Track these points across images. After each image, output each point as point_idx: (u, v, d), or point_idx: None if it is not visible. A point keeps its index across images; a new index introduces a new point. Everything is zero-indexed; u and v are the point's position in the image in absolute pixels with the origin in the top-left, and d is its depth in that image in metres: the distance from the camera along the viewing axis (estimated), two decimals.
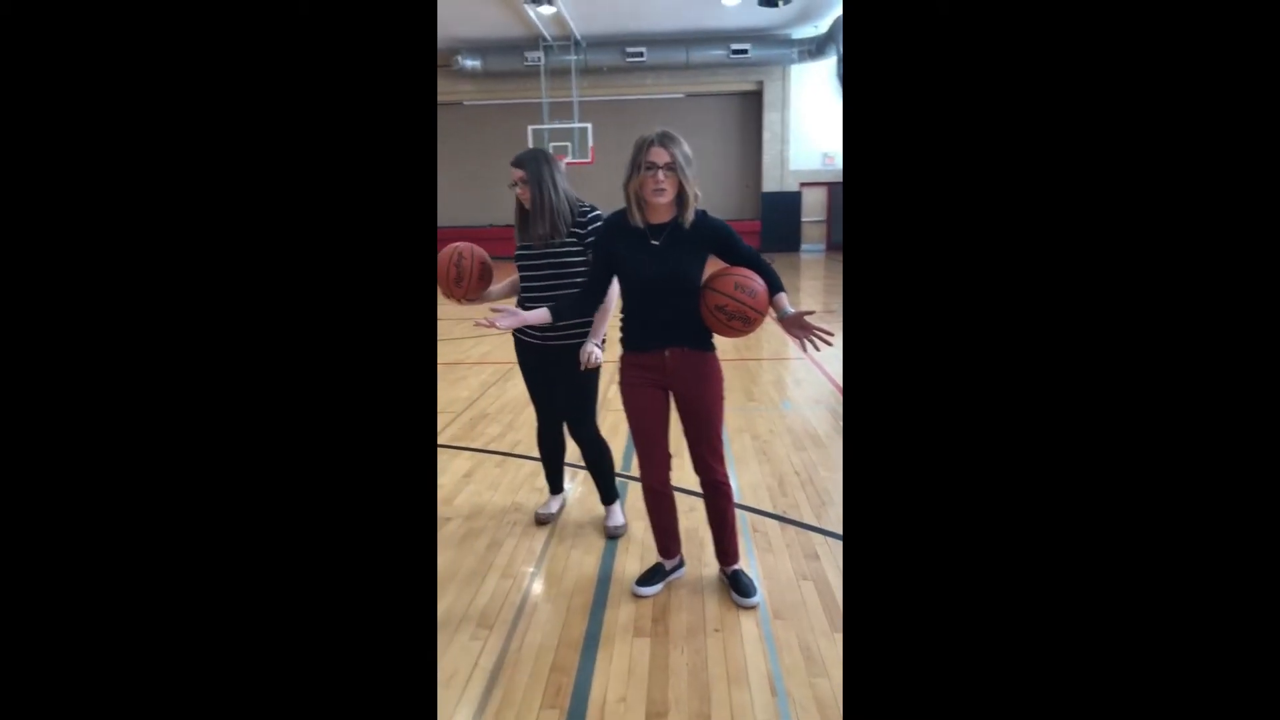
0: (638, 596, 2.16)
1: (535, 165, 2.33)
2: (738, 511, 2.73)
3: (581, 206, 2.39)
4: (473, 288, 2.40)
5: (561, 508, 2.78)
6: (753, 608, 2.09)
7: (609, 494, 2.65)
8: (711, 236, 1.99)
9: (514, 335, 2.54)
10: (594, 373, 2.47)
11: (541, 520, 2.69)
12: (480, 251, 2.43)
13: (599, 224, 2.36)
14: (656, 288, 1.99)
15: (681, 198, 1.92)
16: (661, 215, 1.96)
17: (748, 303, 1.94)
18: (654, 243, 1.97)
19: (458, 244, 2.42)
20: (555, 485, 2.77)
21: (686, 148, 1.91)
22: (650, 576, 2.21)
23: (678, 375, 2.05)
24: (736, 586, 2.14)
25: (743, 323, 1.95)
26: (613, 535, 2.59)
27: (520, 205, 2.39)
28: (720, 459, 2.09)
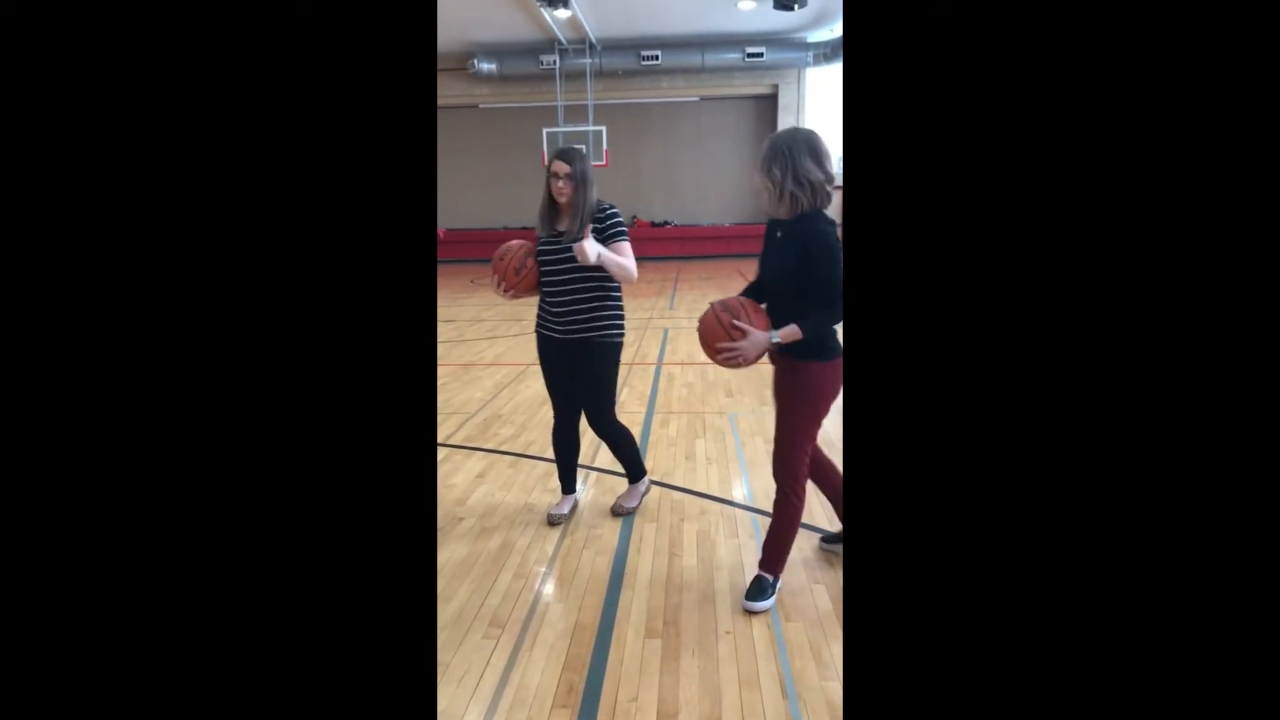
0: (751, 612, 2.06)
1: (582, 164, 2.42)
2: (750, 514, 2.75)
3: (602, 205, 2.46)
4: (523, 285, 2.49)
5: (573, 509, 2.80)
6: (756, 613, 2.07)
7: (635, 473, 2.74)
8: (801, 240, 1.92)
9: (536, 330, 2.61)
10: (613, 367, 2.53)
11: (554, 521, 2.71)
12: None
13: (615, 219, 2.45)
14: (766, 282, 2.04)
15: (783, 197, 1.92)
16: (783, 211, 1.97)
17: (722, 320, 1.98)
18: (777, 235, 2.01)
19: (526, 243, 2.54)
20: (568, 485, 2.78)
21: (785, 144, 1.92)
22: (757, 591, 2.10)
23: (777, 379, 2.07)
24: (750, 588, 2.13)
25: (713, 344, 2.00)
26: (618, 512, 2.65)
27: (549, 199, 2.44)
28: (787, 471, 2.04)
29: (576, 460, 2.77)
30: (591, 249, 2.33)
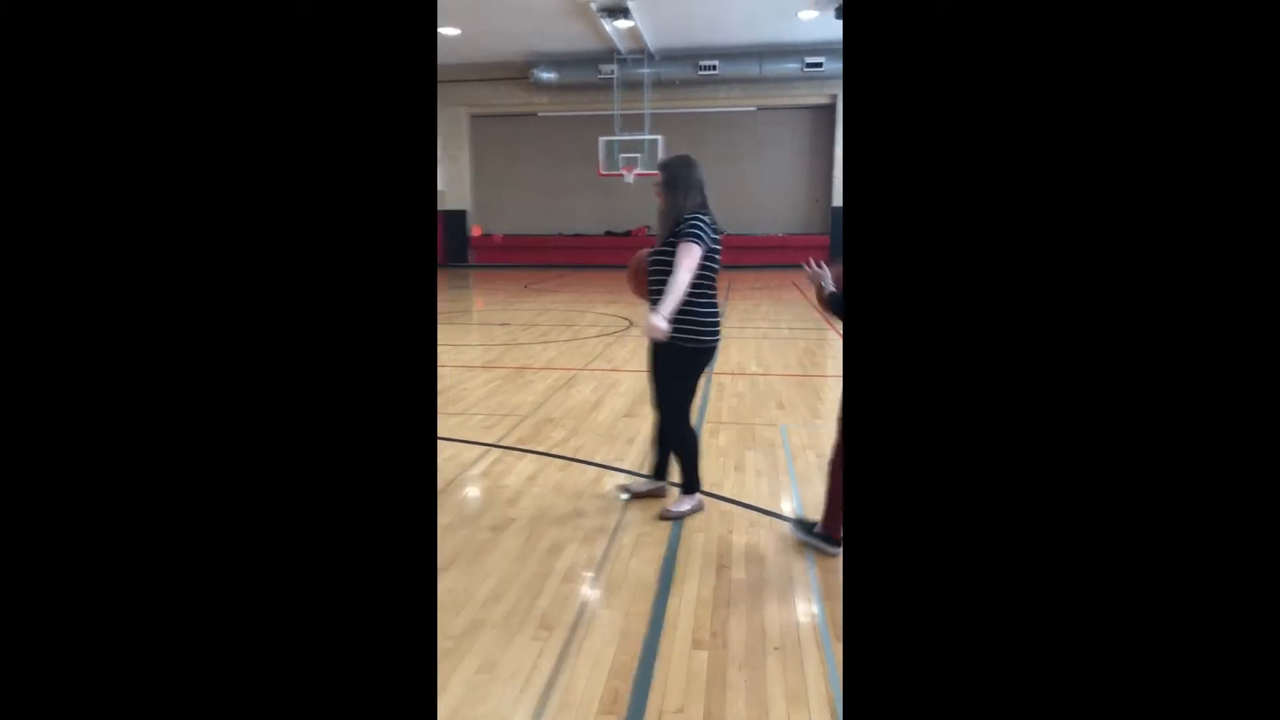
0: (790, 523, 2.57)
1: (672, 170, 2.59)
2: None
3: (687, 213, 2.56)
4: (639, 289, 2.75)
5: (649, 494, 2.92)
6: (788, 522, 2.55)
7: (689, 485, 2.80)
8: None
9: None
10: (683, 369, 2.65)
11: (623, 488, 2.92)
12: None
13: (690, 221, 2.56)
14: None
15: None
16: None
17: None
18: None
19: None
20: (658, 472, 2.90)
21: None
22: (804, 525, 2.53)
23: None
24: (804, 524, 2.53)
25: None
26: (665, 516, 2.74)
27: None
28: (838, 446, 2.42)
29: (668, 456, 2.87)
30: (660, 324, 2.49)
